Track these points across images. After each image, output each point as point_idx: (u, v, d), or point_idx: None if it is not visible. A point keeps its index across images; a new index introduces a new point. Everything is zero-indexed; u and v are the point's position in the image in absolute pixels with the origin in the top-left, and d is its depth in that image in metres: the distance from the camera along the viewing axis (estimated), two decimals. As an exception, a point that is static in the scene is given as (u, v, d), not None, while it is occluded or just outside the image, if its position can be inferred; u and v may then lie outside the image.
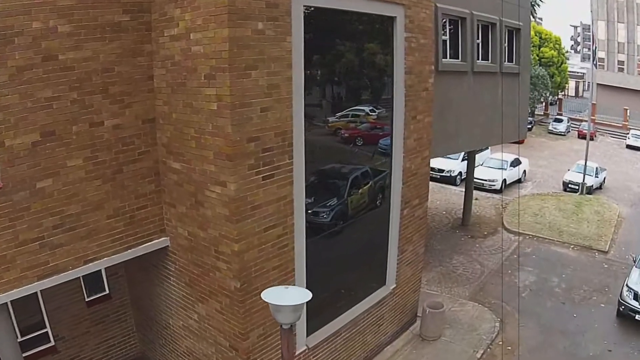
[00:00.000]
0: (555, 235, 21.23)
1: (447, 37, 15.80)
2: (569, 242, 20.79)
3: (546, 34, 52.11)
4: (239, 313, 8.62)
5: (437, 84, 14.82)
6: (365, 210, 10.89)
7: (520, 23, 19.26)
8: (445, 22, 15.61)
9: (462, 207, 22.65)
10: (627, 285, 15.29)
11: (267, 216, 8.52)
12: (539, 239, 21.04)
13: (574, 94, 71.76)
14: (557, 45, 52.14)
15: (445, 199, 25.82)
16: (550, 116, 55.25)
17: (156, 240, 9.45)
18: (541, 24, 63.36)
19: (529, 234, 21.36)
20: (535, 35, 50.82)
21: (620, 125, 53.25)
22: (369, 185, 10.76)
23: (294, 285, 9.25)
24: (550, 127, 49.87)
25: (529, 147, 41.79)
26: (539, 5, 53.85)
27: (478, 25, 16.95)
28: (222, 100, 7.65)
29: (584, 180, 27.90)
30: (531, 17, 56.34)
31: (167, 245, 9.60)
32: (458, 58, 16.32)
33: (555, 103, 58.07)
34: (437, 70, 14.73)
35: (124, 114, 8.57)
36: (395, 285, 12.20)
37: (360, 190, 10.53)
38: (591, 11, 30.86)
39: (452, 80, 15.91)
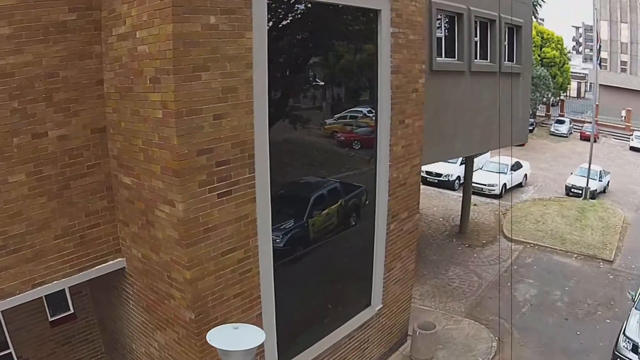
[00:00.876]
0: (558, 244, 19.95)
1: (443, 34, 14.57)
2: (572, 251, 19.52)
3: (548, 34, 50.75)
4: (196, 346, 7.48)
5: (431, 84, 13.63)
6: (334, 232, 9.57)
7: (521, 20, 18.01)
8: (440, 18, 14.39)
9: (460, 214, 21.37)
10: (624, 334, 12.47)
11: (225, 239, 7.34)
12: (541, 248, 19.77)
13: (575, 95, 70.34)
14: (559, 46, 50.77)
15: (442, 204, 24.54)
16: (552, 117, 53.79)
17: (111, 262, 8.39)
18: (543, 24, 61.94)
19: (530, 243, 20.10)
20: (537, 35, 49.55)
21: (623, 126, 51.83)
22: (338, 203, 9.45)
23: (261, 314, 8.10)
24: (552, 129, 48.42)
25: (531, 149, 40.52)
26: (540, 5, 52.69)
27: (476, 22, 15.73)
28: (167, 107, 6.50)
29: (587, 185, 26.54)
30: (533, 17, 55.26)
31: (124, 267, 8.49)
32: (454, 57, 15.10)
33: (557, 104, 56.60)
34: (431, 70, 13.58)
35: (70, 123, 7.53)
36: (382, 306, 10.99)
37: (326, 211, 9.24)
38: (595, 8, 29.41)
39: (448, 81, 14.70)
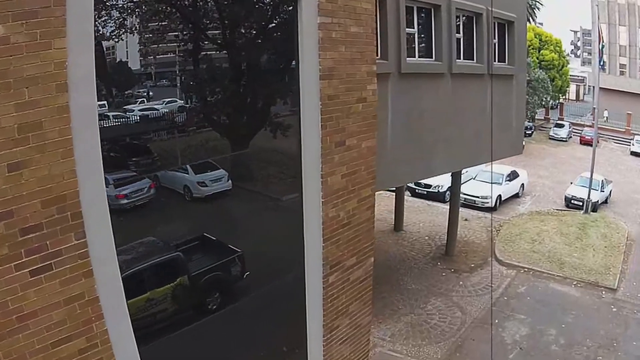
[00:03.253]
0: (556, 269, 16.91)
1: (416, 29, 11.62)
2: (571, 277, 16.49)
3: (546, 36, 47.47)
4: None
5: (401, 90, 10.78)
6: (168, 322, 6.07)
7: (513, 15, 15.00)
8: (412, 10, 11.43)
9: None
10: None
11: (53, 326, 4.67)
12: (536, 274, 16.74)
13: (574, 98, 66.86)
14: (557, 48, 47.45)
15: (429, 220, 21.40)
16: (551, 121, 50.42)
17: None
18: (541, 28, 58.62)
19: (524, 267, 17.06)
20: (535, 37, 46.38)
21: (623, 130, 48.44)
22: (175, 282, 6.34)
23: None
24: (551, 133, 45.07)
25: (529, 154, 37.29)
26: (538, 8, 49.67)
27: (458, 16, 12.79)
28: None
29: (589, 197, 23.21)
30: (531, 20, 52.01)
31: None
32: (431, 57, 12.14)
33: (556, 107, 53.20)
34: (399, 72, 10.65)
35: None
36: (323, 374, 8.07)
37: (147, 294, 6.08)
38: (595, 4, 26.14)
39: (422, 85, 11.77)
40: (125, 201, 5.64)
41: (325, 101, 6.69)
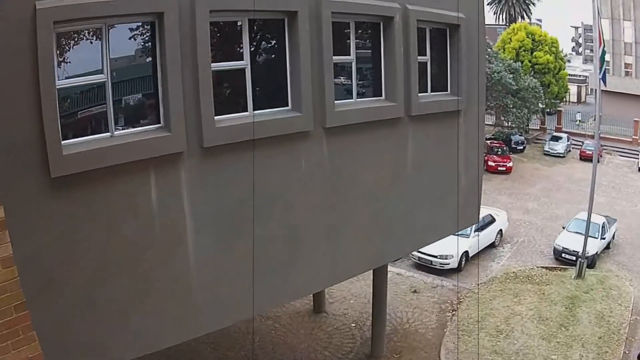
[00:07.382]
0: (526, 386, 12.08)
1: (247, 61, 6.78)
2: (548, 401, 11.67)
3: (540, 36, 42.65)
4: None
5: (208, 178, 6.03)
6: None
7: (460, 14, 10.03)
8: (238, 29, 6.64)
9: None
10: None
11: None
12: (497, 397, 11.92)
13: (576, 100, 62.14)
14: (553, 49, 42.61)
15: (366, 292, 15.83)
16: (547, 132, 45.36)
17: None
18: (540, 25, 54.03)
19: (479, 385, 12.23)
20: (528, 37, 41.66)
21: (630, 140, 43.71)
22: None
23: None
24: (546, 147, 39.91)
25: (518, 177, 32.61)
26: (534, 4, 45.09)
27: (341, 25, 8.03)
28: None
29: (583, 256, 18.09)
30: (525, 17, 47.35)
31: None
32: (285, 104, 7.32)
33: (554, 113, 48.21)
34: (201, 147, 5.91)
35: None
36: None
37: None
38: None
39: (263, 160, 6.93)
40: None
41: None
